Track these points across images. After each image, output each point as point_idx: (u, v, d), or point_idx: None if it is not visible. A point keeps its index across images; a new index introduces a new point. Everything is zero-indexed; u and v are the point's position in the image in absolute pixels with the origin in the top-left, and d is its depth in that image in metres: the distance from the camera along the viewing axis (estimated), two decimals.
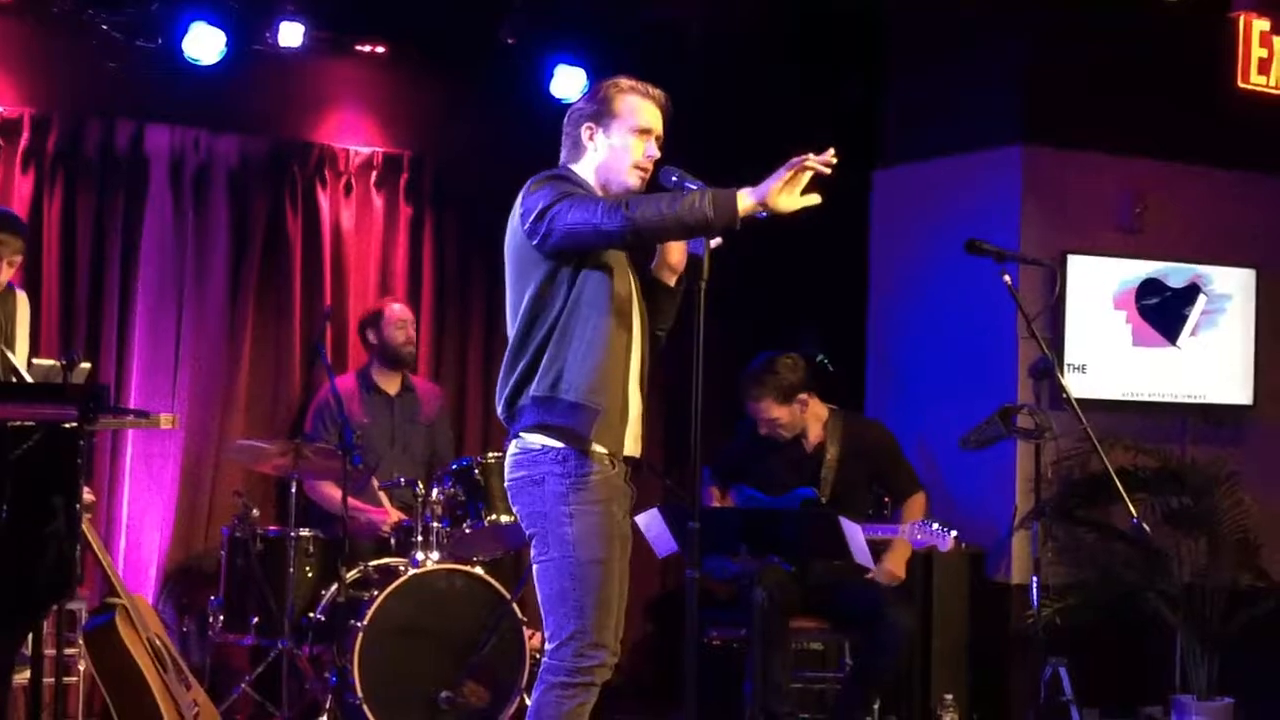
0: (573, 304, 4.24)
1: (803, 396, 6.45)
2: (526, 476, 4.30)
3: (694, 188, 4.14)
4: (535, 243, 4.23)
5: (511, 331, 4.35)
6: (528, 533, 4.34)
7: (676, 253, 4.44)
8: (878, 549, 6.26)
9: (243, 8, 7.01)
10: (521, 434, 4.30)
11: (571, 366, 4.23)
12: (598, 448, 4.25)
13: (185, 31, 6.84)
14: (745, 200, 4.05)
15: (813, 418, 6.51)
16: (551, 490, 4.25)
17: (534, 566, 4.33)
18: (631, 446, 4.38)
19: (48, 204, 6.90)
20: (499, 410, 4.39)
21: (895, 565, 6.33)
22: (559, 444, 4.23)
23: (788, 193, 4.05)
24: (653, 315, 4.47)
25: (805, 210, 4.10)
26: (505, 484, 4.40)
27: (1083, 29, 7.49)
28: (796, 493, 6.37)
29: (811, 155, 4.02)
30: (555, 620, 4.25)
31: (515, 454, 4.34)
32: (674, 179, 4.24)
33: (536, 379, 4.25)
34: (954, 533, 6.09)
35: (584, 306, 4.24)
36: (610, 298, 4.27)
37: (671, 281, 4.49)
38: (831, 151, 4.04)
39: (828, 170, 4.04)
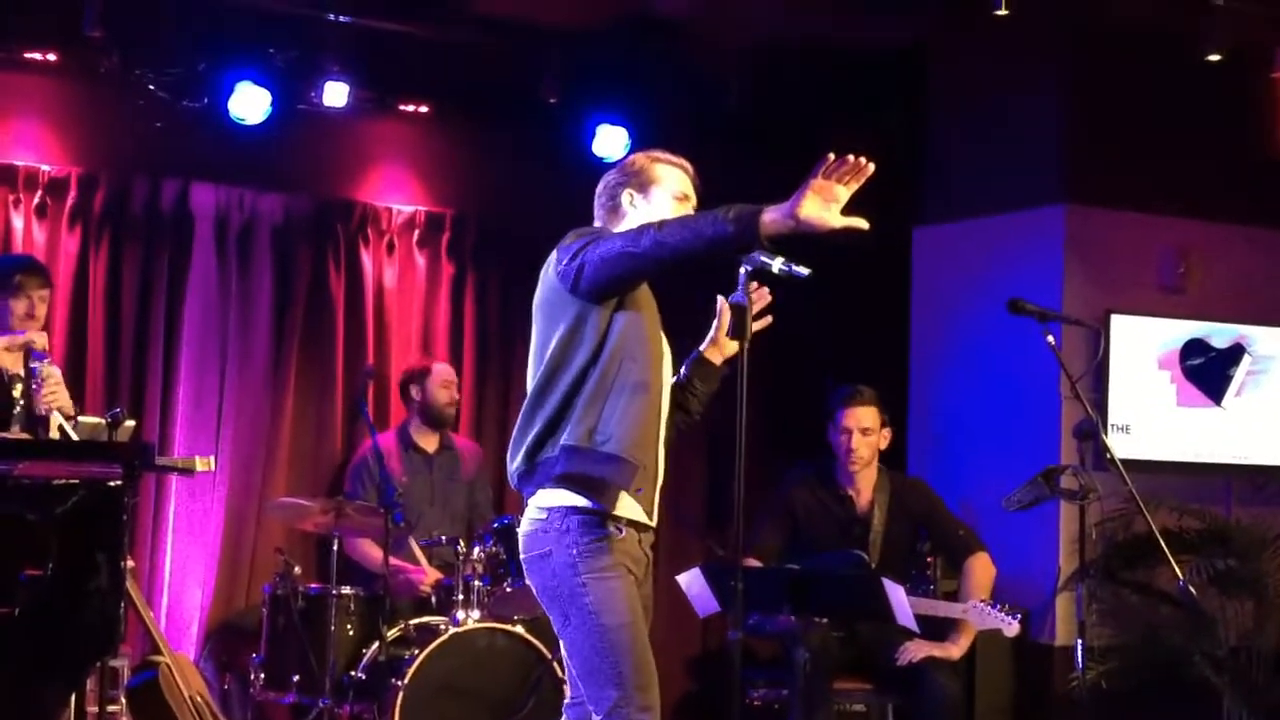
0: (610, 351, 4.17)
1: (886, 432, 6.45)
2: (535, 554, 4.23)
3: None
4: (569, 285, 4.18)
5: (533, 380, 4.27)
6: (545, 608, 4.27)
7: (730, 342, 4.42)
8: (942, 626, 6.21)
9: (288, 68, 7.09)
10: (540, 491, 4.21)
11: (610, 416, 4.16)
12: (624, 510, 4.18)
13: (231, 91, 6.92)
14: (770, 214, 3.88)
15: (871, 476, 6.47)
16: (560, 562, 4.17)
17: (560, 640, 4.27)
18: (653, 515, 4.30)
19: (94, 262, 6.97)
20: (514, 466, 4.26)
21: (958, 649, 6.25)
22: (576, 501, 4.15)
23: (822, 206, 3.87)
24: (687, 395, 4.49)
25: (850, 232, 3.92)
26: (522, 560, 4.32)
27: (1125, 88, 7.49)
28: (845, 555, 6.31)
29: (831, 155, 3.85)
30: (594, 691, 4.16)
31: (527, 529, 4.25)
32: None
33: (567, 428, 4.17)
34: (1019, 616, 6.02)
35: (622, 354, 4.18)
36: (647, 349, 4.23)
37: (718, 361, 4.50)
38: (867, 163, 3.87)
39: (858, 171, 3.86)
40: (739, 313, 4.10)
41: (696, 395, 4.52)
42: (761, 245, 3.95)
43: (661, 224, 4.08)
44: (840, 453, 6.39)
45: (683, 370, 4.53)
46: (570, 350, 4.21)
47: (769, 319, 4.41)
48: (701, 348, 4.55)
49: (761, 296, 4.37)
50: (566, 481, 4.16)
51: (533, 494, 4.25)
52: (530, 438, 4.23)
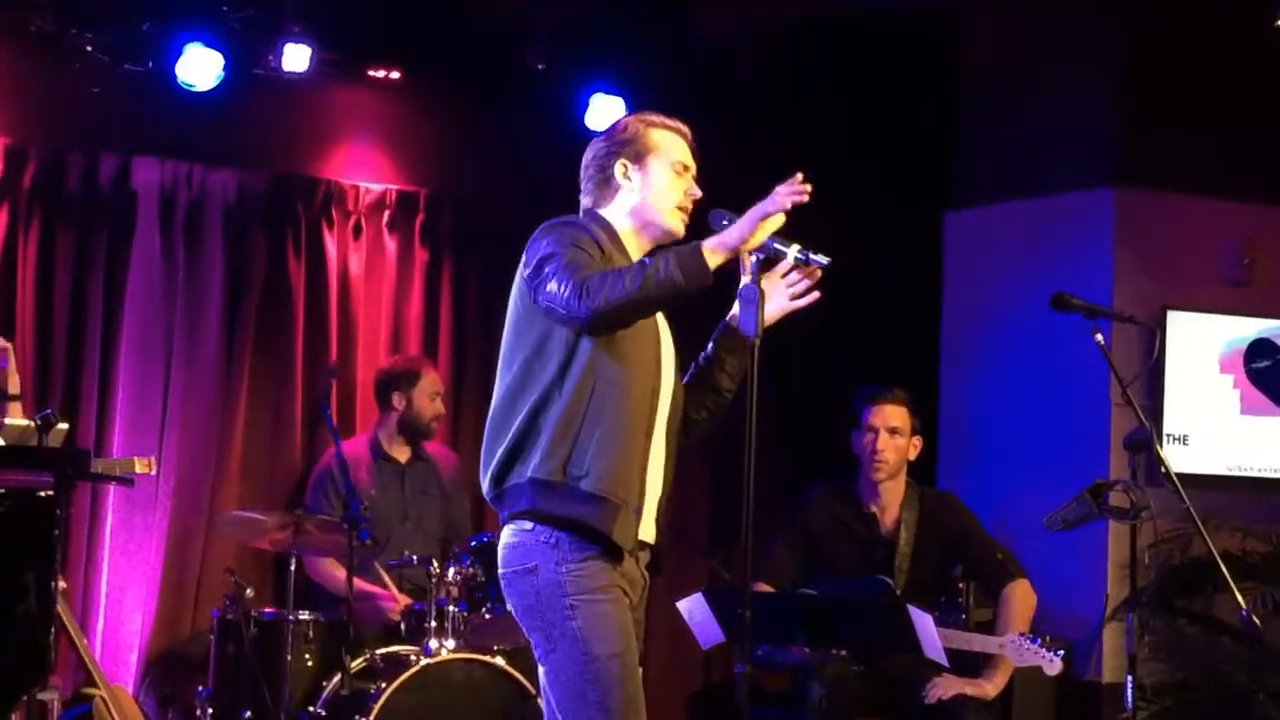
0: (579, 372, 4.17)
1: (917, 440, 6.46)
2: (517, 569, 4.24)
3: None
4: (532, 295, 4.23)
5: (499, 389, 4.29)
6: (526, 631, 4.28)
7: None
8: (974, 661, 6.21)
9: (243, 28, 7.06)
10: (513, 521, 4.23)
11: (586, 447, 4.16)
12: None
13: (179, 54, 6.90)
14: (715, 256, 4.06)
15: (897, 491, 6.47)
16: (546, 580, 4.18)
17: (540, 667, 4.26)
18: (648, 531, 4.31)
19: (23, 245, 6.95)
20: (485, 486, 4.30)
21: (993, 688, 6.25)
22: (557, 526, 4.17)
23: (766, 233, 4.10)
24: (716, 372, 4.47)
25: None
26: (499, 575, 4.33)
27: (1183, 58, 7.49)
28: (867, 581, 6.31)
29: (778, 189, 4.03)
30: None
31: (509, 541, 4.26)
32: (724, 223, 4.24)
33: (537, 457, 4.17)
34: (1061, 652, 6.03)
35: (595, 376, 4.17)
36: (626, 366, 4.22)
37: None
38: (800, 177, 4.04)
39: (802, 199, 4.04)
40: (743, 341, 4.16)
41: (727, 372, 4.49)
42: (708, 284, 4.09)
43: (600, 286, 4.07)
44: (864, 457, 6.40)
45: (709, 346, 4.52)
46: (536, 365, 4.22)
47: (815, 296, 4.37)
48: (728, 316, 4.51)
49: (812, 274, 4.34)
50: (537, 517, 4.18)
51: (509, 524, 4.27)
52: (496, 460, 4.25)
